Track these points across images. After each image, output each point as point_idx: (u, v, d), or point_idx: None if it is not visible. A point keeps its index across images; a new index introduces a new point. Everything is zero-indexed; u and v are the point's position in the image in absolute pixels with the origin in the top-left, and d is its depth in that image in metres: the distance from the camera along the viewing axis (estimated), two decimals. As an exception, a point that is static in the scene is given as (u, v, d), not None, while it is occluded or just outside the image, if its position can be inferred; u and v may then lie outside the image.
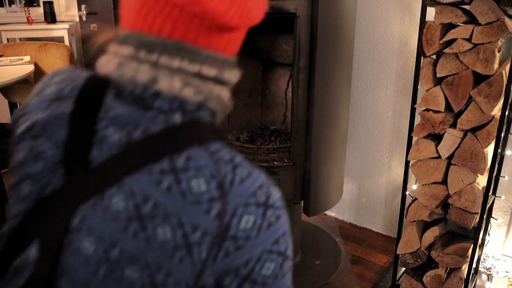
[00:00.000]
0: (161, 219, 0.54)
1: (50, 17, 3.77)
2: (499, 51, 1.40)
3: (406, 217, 1.71)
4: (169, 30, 0.56)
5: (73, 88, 0.62)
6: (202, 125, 0.59)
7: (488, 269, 2.01)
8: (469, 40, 1.38)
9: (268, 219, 0.58)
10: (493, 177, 1.63)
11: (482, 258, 1.99)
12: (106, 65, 0.59)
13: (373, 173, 2.38)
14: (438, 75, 1.48)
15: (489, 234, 1.93)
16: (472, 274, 1.78)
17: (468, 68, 1.42)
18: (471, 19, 1.39)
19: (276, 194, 0.60)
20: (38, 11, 3.91)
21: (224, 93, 0.61)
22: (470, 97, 1.45)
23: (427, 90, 1.52)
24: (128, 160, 0.56)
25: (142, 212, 0.54)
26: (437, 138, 1.58)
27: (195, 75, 0.57)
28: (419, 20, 1.71)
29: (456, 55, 1.43)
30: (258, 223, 0.57)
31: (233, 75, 0.63)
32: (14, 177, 0.63)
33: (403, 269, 1.94)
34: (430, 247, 1.68)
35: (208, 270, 0.57)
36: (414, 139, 1.64)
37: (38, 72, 3.03)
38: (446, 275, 1.69)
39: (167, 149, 0.56)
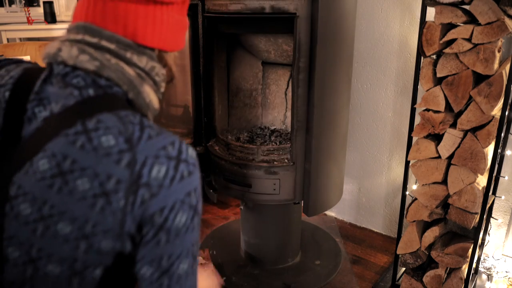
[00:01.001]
0: (79, 172, 0.63)
1: (50, 17, 3.77)
2: (499, 51, 1.40)
3: (406, 217, 1.71)
4: (85, 15, 0.70)
5: (10, 77, 0.73)
6: (114, 98, 0.69)
7: (488, 269, 2.02)
8: (469, 40, 1.38)
9: (181, 172, 0.65)
10: (493, 177, 1.63)
11: (482, 258, 1.99)
12: (48, 46, 0.71)
13: (373, 173, 2.38)
14: (438, 75, 1.48)
15: (489, 234, 1.93)
16: (472, 274, 1.78)
17: (468, 68, 1.42)
18: (471, 19, 1.39)
19: (190, 152, 0.68)
20: (38, 11, 3.90)
21: (126, 68, 0.69)
22: (470, 97, 1.45)
23: (427, 90, 1.52)
24: (48, 129, 0.66)
25: (62, 168, 0.63)
26: (437, 138, 1.58)
27: (92, 45, 0.68)
28: (419, 20, 1.71)
29: (456, 55, 1.43)
30: (171, 174, 0.64)
31: (142, 60, 0.72)
32: None
33: (403, 269, 1.94)
34: (430, 247, 1.68)
35: (128, 217, 0.64)
36: (414, 139, 1.64)
37: (38, 72, 3.02)
38: (446, 275, 1.69)
39: (80, 115, 0.65)
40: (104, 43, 0.69)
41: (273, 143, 1.98)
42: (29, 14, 3.76)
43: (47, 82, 0.70)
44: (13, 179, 0.66)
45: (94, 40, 0.69)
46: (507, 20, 1.33)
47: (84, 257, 0.65)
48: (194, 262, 0.70)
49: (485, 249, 1.96)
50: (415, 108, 1.63)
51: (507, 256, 2.06)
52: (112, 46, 0.69)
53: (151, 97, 0.73)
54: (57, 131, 0.65)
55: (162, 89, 0.78)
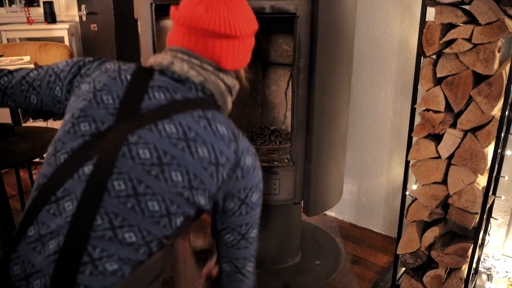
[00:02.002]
0: (201, 143, 0.85)
1: (50, 17, 3.77)
2: (499, 51, 1.40)
3: (406, 217, 1.71)
4: (181, 43, 0.94)
5: (128, 67, 0.94)
6: (216, 102, 0.95)
7: (488, 269, 2.02)
8: (469, 40, 1.38)
9: (258, 164, 0.94)
10: (493, 177, 1.63)
11: (482, 258, 1.99)
12: (159, 58, 0.94)
13: (373, 173, 2.38)
14: (438, 75, 1.48)
15: (489, 234, 1.93)
16: (472, 274, 1.78)
17: (468, 68, 1.42)
18: (471, 19, 1.39)
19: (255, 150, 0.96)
20: (38, 11, 3.91)
21: (220, 84, 0.95)
22: (470, 97, 1.45)
23: (427, 90, 1.52)
24: (174, 107, 0.87)
25: (188, 136, 0.84)
26: (437, 138, 1.58)
27: (197, 65, 0.92)
28: (419, 20, 1.71)
29: (456, 55, 1.43)
30: (254, 164, 0.92)
31: (228, 79, 0.98)
32: (68, 119, 0.88)
33: (403, 269, 1.94)
34: (430, 247, 1.68)
35: (223, 186, 0.88)
36: (414, 139, 1.64)
37: (38, 72, 3.02)
38: (446, 275, 1.69)
39: (199, 106, 0.89)
40: (205, 65, 0.93)
41: (273, 143, 1.98)
42: (29, 14, 3.76)
43: (162, 76, 0.91)
44: (134, 131, 0.83)
45: (197, 62, 0.92)
46: (507, 20, 1.33)
47: (181, 203, 0.83)
48: (257, 231, 1.01)
49: (485, 249, 1.96)
50: (415, 108, 1.63)
51: (507, 256, 2.06)
52: (210, 68, 0.93)
53: (230, 104, 1.00)
54: (183, 110, 0.86)
55: (234, 97, 1.04)
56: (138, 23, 1.71)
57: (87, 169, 0.81)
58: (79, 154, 0.83)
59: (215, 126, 0.87)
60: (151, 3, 1.60)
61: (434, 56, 1.51)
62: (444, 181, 1.58)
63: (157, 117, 0.85)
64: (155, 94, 0.88)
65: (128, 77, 0.91)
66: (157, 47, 1.66)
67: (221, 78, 0.95)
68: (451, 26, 1.43)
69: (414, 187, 1.69)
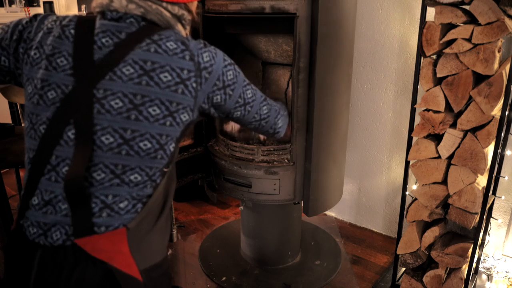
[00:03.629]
0: (160, 69, 0.88)
1: (50, 17, 3.76)
2: (499, 51, 1.40)
3: (406, 217, 1.71)
4: None
5: (69, 20, 0.93)
6: (160, 27, 0.94)
7: (488, 269, 2.02)
8: (469, 40, 1.38)
9: (214, 52, 0.97)
10: (493, 177, 1.63)
11: (482, 258, 1.99)
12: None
13: (373, 173, 2.38)
14: (438, 75, 1.48)
15: (489, 234, 1.93)
16: (472, 274, 1.78)
17: (468, 68, 1.42)
18: (471, 19, 1.39)
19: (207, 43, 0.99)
20: (38, 11, 3.90)
21: (164, 12, 0.94)
22: (470, 97, 1.45)
23: (427, 90, 1.52)
24: (122, 48, 0.88)
25: (146, 68, 0.87)
26: (437, 138, 1.58)
27: None
28: (419, 20, 1.71)
29: (456, 55, 1.43)
30: (212, 55, 0.96)
31: (174, 8, 0.96)
32: (33, 91, 0.89)
33: (403, 269, 1.94)
34: (430, 247, 1.68)
35: (199, 93, 0.93)
36: (414, 139, 1.64)
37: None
38: (446, 275, 1.69)
39: (145, 34, 0.90)
40: None
41: (273, 143, 1.98)
42: (29, 14, 3.75)
43: (104, 20, 0.92)
44: (96, 87, 0.85)
45: None
46: (507, 20, 1.33)
47: (168, 131, 0.89)
48: (251, 87, 1.07)
49: (485, 249, 1.96)
50: (415, 108, 1.63)
51: (507, 256, 2.06)
52: None
53: (182, 33, 0.99)
54: (131, 47, 0.88)
55: (188, 31, 1.03)
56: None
57: (71, 133, 0.85)
58: (57, 121, 0.86)
59: (165, 46, 0.89)
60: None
61: (434, 56, 1.51)
62: (444, 181, 1.58)
63: (112, 64, 0.87)
64: (103, 41, 0.89)
65: (72, 31, 0.91)
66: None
67: (164, 7, 0.95)
68: (451, 26, 1.43)
69: (414, 187, 1.69)
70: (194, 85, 0.91)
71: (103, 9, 0.92)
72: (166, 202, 0.98)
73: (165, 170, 0.93)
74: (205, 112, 1.00)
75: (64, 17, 0.95)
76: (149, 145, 0.88)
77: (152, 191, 0.91)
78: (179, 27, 0.99)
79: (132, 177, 0.88)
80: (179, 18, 0.99)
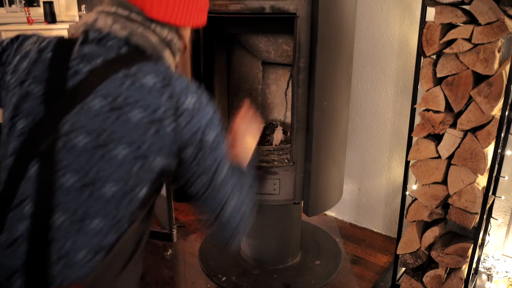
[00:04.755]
0: (132, 105, 0.79)
1: (50, 17, 3.77)
2: (499, 51, 1.40)
3: (406, 217, 1.71)
4: None
5: (48, 43, 0.87)
6: (141, 55, 0.86)
7: (488, 269, 2.02)
8: (469, 40, 1.38)
9: (205, 99, 0.87)
10: (493, 177, 1.63)
11: (482, 258, 1.99)
12: (85, 17, 0.88)
13: (373, 173, 2.38)
14: (438, 75, 1.48)
15: (489, 234, 1.93)
16: (472, 274, 1.78)
17: (468, 68, 1.42)
18: (471, 19, 1.39)
19: (201, 88, 0.88)
20: (38, 11, 3.91)
21: (151, 35, 0.87)
22: (470, 97, 1.45)
23: (427, 90, 1.52)
24: (95, 77, 0.80)
25: (117, 104, 0.78)
26: (437, 138, 1.58)
27: (124, 17, 0.85)
28: (419, 20, 1.71)
29: (456, 55, 1.43)
30: (199, 101, 0.85)
31: (164, 31, 0.89)
32: (6, 119, 0.84)
33: (403, 269, 1.94)
34: (430, 247, 1.68)
35: (177, 137, 0.82)
36: (414, 139, 1.64)
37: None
38: (446, 275, 1.69)
39: (122, 64, 0.81)
40: (133, 16, 0.86)
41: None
42: (29, 14, 3.76)
43: (84, 44, 0.85)
44: (63, 120, 0.78)
45: (125, 13, 0.86)
46: (507, 20, 1.33)
47: (137, 175, 0.80)
48: (229, 170, 0.91)
49: (485, 249, 1.96)
50: (415, 108, 1.63)
51: (507, 256, 2.06)
52: (139, 18, 0.86)
53: (170, 61, 0.92)
54: (104, 77, 0.80)
55: (178, 59, 0.96)
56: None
57: (34, 169, 0.78)
58: (22, 154, 0.80)
59: (140, 81, 0.80)
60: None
61: (434, 56, 1.51)
62: (444, 181, 1.58)
63: (82, 94, 0.79)
64: (78, 68, 0.82)
65: (49, 55, 0.85)
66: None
67: (152, 29, 0.87)
68: (451, 26, 1.43)
69: (414, 187, 1.69)
70: (171, 127, 0.81)
71: (87, 28, 0.86)
72: (138, 247, 0.88)
73: (135, 216, 0.83)
74: (176, 163, 0.87)
75: (44, 39, 0.89)
76: (114, 189, 0.78)
77: (115, 240, 0.80)
78: (166, 54, 0.90)
79: (93, 224, 0.78)
80: (168, 44, 0.90)
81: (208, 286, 2.01)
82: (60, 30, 3.74)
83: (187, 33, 0.99)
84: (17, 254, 0.77)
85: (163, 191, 1.68)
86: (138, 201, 0.81)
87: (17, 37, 0.93)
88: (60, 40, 0.88)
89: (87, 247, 0.78)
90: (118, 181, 0.78)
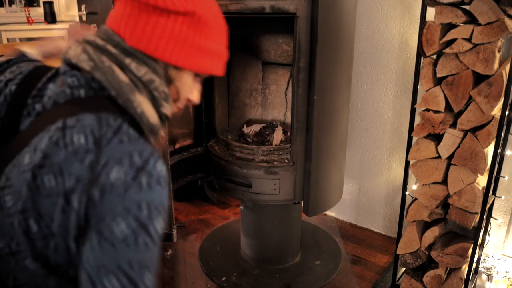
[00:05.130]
0: (48, 168, 0.63)
1: (50, 17, 3.77)
2: (499, 51, 1.40)
3: (406, 217, 1.71)
4: (113, 20, 0.75)
5: (20, 72, 0.76)
6: (103, 101, 0.70)
7: (488, 269, 2.01)
8: (469, 40, 1.38)
9: (139, 182, 0.62)
10: (493, 177, 1.63)
11: (482, 258, 1.99)
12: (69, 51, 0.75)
13: (373, 173, 2.38)
14: (438, 75, 1.48)
15: (489, 234, 1.93)
16: (472, 274, 1.78)
17: (468, 68, 1.42)
18: (471, 19, 1.39)
19: (159, 166, 0.65)
20: (38, 11, 3.91)
21: (119, 73, 0.70)
22: (470, 97, 1.45)
23: (427, 90, 1.52)
24: (37, 124, 0.68)
25: (35, 162, 0.63)
26: (437, 138, 1.58)
27: (96, 47, 0.72)
28: (419, 20, 1.71)
29: (456, 55, 1.43)
30: (128, 181, 0.62)
31: (141, 70, 0.72)
32: None
33: (403, 269, 1.94)
34: (430, 247, 1.68)
35: (83, 223, 0.63)
36: (414, 139, 1.64)
37: (38, 72, 3.02)
38: (446, 275, 1.69)
39: (64, 113, 0.67)
40: (109, 47, 0.72)
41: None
42: (29, 14, 3.76)
43: (51, 79, 0.73)
44: (4, 170, 0.67)
45: (101, 43, 0.72)
46: (507, 20, 1.33)
47: (55, 256, 0.65)
48: (129, 285, 0.62)
49: (485, 249, 1.96)
50: (415, 108, 1.63)
51: (507, 256, 2.06)
52: (114, 50, 0.72)
53: (144, 108, 0.72)
54: (42, 127, 0.66)
55: (165, 110, 0.76)
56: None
57: None
58: None
59: (70, 137, 0.64)
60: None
61: (434, 56, 1.51)
62: (444, 181, 1.58)
63: (21, 144, 0.67)
64: (34, 107, 0.71)
65: (13, 88, 0.74)
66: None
67: (124, 65, 0.71)
68: (451, 26, 1.43)
69: (414, 187, 1.69)
70: (76, 203, 0.62)
71: (63, 57, 0.74)
72: None
73: None
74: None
75: (21, 68, 0.78)
76: (33, 265, 0.65)
77: None
78: (137, 97, 0.71)
79: None
80: (144, 85, 0.72)
81: (208, 286, 2.01)
82: (60, 30, 3.74)
83: (183, 79, 0.78)
84: None
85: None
86: (70, 281, 0.68)
87: (8, 61, 0.82)
88: (32, 71, 0.77)
89: None
90: (37, 258, 0.65)
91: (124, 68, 0.71)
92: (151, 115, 0.73)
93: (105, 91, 0.70)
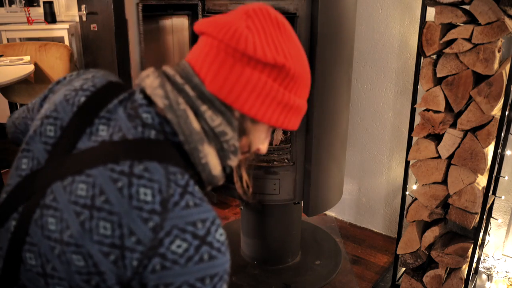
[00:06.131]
0: (106, 214, 0.60)
1: (50, 17, 3.77)
2: (499, 51, 1.40)
3: (406, 217, 1.71)
4: (191, 53, 0.71)
5: (93, 85, 0.73)
6: (171, 148, 0.66)
7: (488, 269, 2.01)
8: (469, 40, 1.38)
9: (201, 254, 0.60)
10: (493, 177, 1.63)
11: (482, 258, 1.99)
12: (144, 72, 0.71)
13: (373, 173, 2.38)
14: (438, 75, 1.48)
15: (489, 234, 1.93)
16: (472, 274, 1.78)
17: (468, 68, 1.42)
18: (471, 19, 1.39)
19: (219, 236, 0.63)
20: (38, 11, 3.91)
21: (193, 120, 0.66)
22: (470, 97, 1.45)
23: (427, 90, 1.52)
24: (99, 154, 0.64)
25: (95, 203, 0.61)
26: (437, 138, 1.58)
27: (174, 85, 0.67)
28: (419, 20, 1.71)
29: (456, 55, 1.43)
30: (190, 253, 0.59)
31: (216, 120, 0.67)
32: (21, 149, 0.73)
33: (403, 269, 1.94)
34: (430, 247, 1.68)
35: (136, 278, 0.60)
36: (414, 139, 1.64)
37: (38, 72, 3.02)
38: (446, 275, 1.69)
39: (131, 155, 0.63)
40: (187, 88, 0.67)
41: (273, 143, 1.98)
42: (29, 14, 3.76)
43: (122, 103, 0.69)
44: (52, 186, 0.65)
45: (180, 81, 0.67)
46: (507, 20, 1.33)
47: None
48: None
49: (485, 249, 1.96)
50: (415, 108, 1.63)
51: (507, 256, 2.06)
52: (191, 93, 0.67)
53: (209, 159, 0.67)
54: (104, 161, 0.63)
55: (232, 162, 0.72)
56: (128, 24, 1.68)
57: (11, 224, 0.68)
58: (11, 199, 0.70)
59: (136, 190, 0.60)
60: (137, 3, 1.59)
61: (434, 56, 1.51)
62: (444, 181, 1.58)
63: (78, 168, 0.65)
64: (99, 128, 0.68)
65: (82, 99, 0.71)
66: (145, 50, 1.64)
67: (199, 111, 0.66)
68: (451, 26, 1.43)
69: (414, 187, 1.69)
70: (135, 263, 0.60)
71: (139, 82, 0.71)
72: None
73: None
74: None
75: (96, 77, 0.76)
76: None
77: None
78: (205, 148, 0.67)
79: None
80: (214, 136, 0.67)
81: (208, 286, 2.01)
82: (60, 30, 3.74)
83: (258, 132, 0.74)
84: None
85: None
86: None
87: (88, 69, 0.81)
88: (105, 86, 0.73)
89: None
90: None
91: (198, 115, 0.67)
92: (214, 167, 0.69)
93: (175, 137, 0.67)
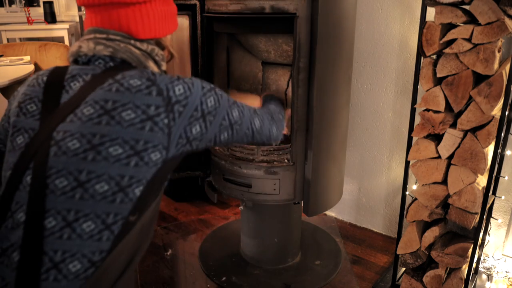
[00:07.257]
0: (121, 107, 0.82)
1: (50, 17, 3.77)
2: (499, 51, 1.40)
3: (406, 217, 1.71)
4: (90, 23, 0.97)
5: (46, 70, 0.95)
6: (129, 66, 0.92)
7: (488, 269, 2.02)
8: (469, 40, 1.38)
9: (190, 82, 0.91)
10: (493, 177, 1.63)
11: (482, 258, 1.99)
12: (71, 47, 0.97)
13: (373, 173, 2.38)
14: (438, 75, 1.48)
15: (489, 234, 1.93)
16: (472, 274, 1.78)
17: (468, 68, 1.42)
18: (471, 19, 1.39)
19: (187, 79, 0.93)
20: (38, 11, 3.91)
21: (133, 49, 0.94)
22: (470, 97, 1.45)
23: (427, 90, 1.52)
24: (84, 90, 0.86)
25: (107, 108, 0.82)
26: (437, 138, 1.58)
27: (103, 39, 0.92)
28: (419, 20, 1.71)
29: (456, 55, 1.43)
30: (186, 86, 0.90)
31: (143, 45, 0.96)
32: (8, 140, 0.89)
33: (403, 269, 1.94)
34: (430, 247, 1.68)
35: (173, 129, 0.85)
36: (414, 139, 1.64)
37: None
38: (446, 275, 1.69)
39: (108, 75, 0.88)
40: (111, 36, 0.93)
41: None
42: (29, 14, 3.76)
43: (75, 67, 0.93)
44: (57, 128, 0.82)
45: (103, 35, 0.92)
46: (507, 20, 1.33)
47: (132, 171, 0.81)
48: (238, 105, 1.02)
49: (485, 249, 1.96)
50: (415, 108, 1.63)
51: (507, 256, 2.06)
52: (117, 37, 0.93)
53: (152, 68, 0.97)
54: (93, 88, 0.85)
55: (163, 67, 1.01)
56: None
57: (29, 178, 0.80)
58: (19, 166, 0.83)
59: (127, 83, 0.85)
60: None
61: (434, 56, 1.51)
62: (444, 181, 1.58)
63: (73, 106, 0.85)
64: (71, 85, 0.89)
65: (45, 78, 0.93)
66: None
67: (133, 44, 0.94)
68: (451, 26, 1.43)
69: (414, 187, 1.69)
70: (166, 121, 0.84)
71: (75, 56, 0.94)
72: (130, 263, 0.86)
73: (131, 219, 0.82)
74: (187, 149, 0.90)
75: (41, 72, 0.96)
76: (106, 187, 0.79)
77: (110, 246, 0.79)
78: (150, 64, 0.96)
79: (85, 225, 0.77)
80: (149, 55, 0.97)
81: (208, 286, 2.01)
82: (60, 30, 3.74)
83: (167, 41, 1.05)
84: (9, 264, 0.76)
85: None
86: (131, 201, 0.81)
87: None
88: (57, 67, 0.96)
89: (78, 256, 0.77)
90: (109, 180, 0.79)
91: (133, 45, 0.94)
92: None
93: (124, 64, 0.92)
